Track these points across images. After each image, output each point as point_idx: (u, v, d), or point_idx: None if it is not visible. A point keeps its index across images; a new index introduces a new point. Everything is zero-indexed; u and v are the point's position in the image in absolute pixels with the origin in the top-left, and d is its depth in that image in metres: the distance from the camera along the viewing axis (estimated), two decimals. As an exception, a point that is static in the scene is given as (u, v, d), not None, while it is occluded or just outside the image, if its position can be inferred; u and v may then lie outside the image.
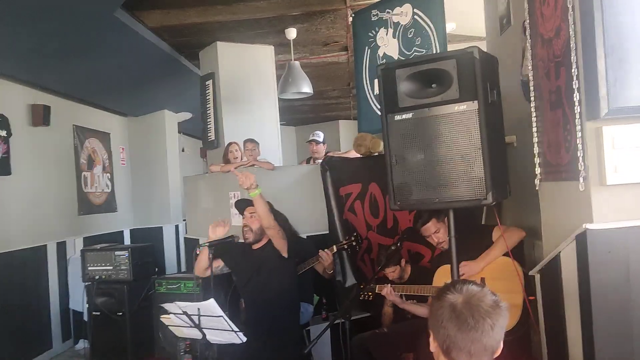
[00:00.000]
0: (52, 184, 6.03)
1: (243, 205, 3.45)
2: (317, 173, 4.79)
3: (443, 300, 1.38)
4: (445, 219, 3.28)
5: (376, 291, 3.52)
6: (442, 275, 3.27)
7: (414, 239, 3.77)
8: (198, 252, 4.05)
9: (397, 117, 2.50)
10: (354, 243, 3.91)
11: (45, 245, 5.76)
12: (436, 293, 1.46)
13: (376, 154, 4.47)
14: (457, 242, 2.59)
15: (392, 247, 3.42)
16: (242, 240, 3.43)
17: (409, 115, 2.47)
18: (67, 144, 6.44)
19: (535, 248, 3.11)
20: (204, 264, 3.37)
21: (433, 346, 1.42)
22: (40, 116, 5.71)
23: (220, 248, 3.37)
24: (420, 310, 3.44)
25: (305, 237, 4.41)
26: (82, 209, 6.59)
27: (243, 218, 3.40)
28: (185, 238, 6.09)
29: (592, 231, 2.01)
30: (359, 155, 4.69)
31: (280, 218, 4.09)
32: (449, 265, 3.05)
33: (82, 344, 5.56)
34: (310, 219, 4.68)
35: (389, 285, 3.48)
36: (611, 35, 1.93)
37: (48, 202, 5.92)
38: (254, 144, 5.23)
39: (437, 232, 3.32)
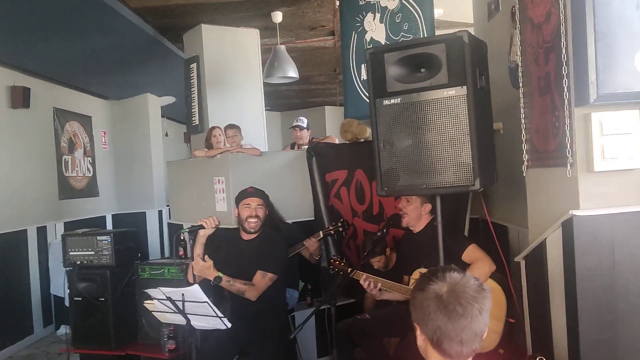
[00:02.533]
0: (32, 167, 5.93)
1: (243, 196, 3.43)
2: (303, 159, 4.76)
3: (427, 292, 1.35)
4: (425, 204, 3.25)
5: (352, 275, 3.40)
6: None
7: (399, 225, 3.76)
8: (182, 238, 4.02)
9: (386, 102, 2.48)
10: (340, 229, 3.90)
11: (26, 230, 5.68)
12: (416, 284, 1.42)
13: (362, 140, 4.45)
14: (427, 241, 2.56)
15: (378, 234, 3.41)
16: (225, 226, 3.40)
17: (397, 100, 2.45)
18: (48, 127, 6.32)
19: (521, 235, 3.12)
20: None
21: (420, 339, 1.39)
22: (20, 98, 5.61)
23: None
24: (398, 296, 3.38)
25: (291, 223, 4.39)
26: (63, 194, 6.50)
27: (247, 208, 3.36)
28: (168, 223, 6.04)
29: (579, 217, 2.01)
30: (337, 141, 4.67)
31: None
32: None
33: (64, 330, 5.52)
34: (296, 205, 4.66)
35: (366, 278, 3.37)
36: (601, 21, 1.92)
37: (28, 185, 5.82)
38: (234, 130, 5.16)
39: (407, 201, 3.23)
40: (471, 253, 2.97)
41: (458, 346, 1.31)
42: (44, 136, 6.25)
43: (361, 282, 3.37)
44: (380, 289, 3.34)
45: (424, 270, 2.97)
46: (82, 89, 7.16)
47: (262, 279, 3.20)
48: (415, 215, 3.26)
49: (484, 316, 1.34)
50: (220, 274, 3.12)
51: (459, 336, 1.31)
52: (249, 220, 3.33)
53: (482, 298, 1.34)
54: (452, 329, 1.30)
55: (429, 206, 3.20)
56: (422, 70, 2.40)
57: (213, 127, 5.27)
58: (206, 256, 3.17)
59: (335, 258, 3.57)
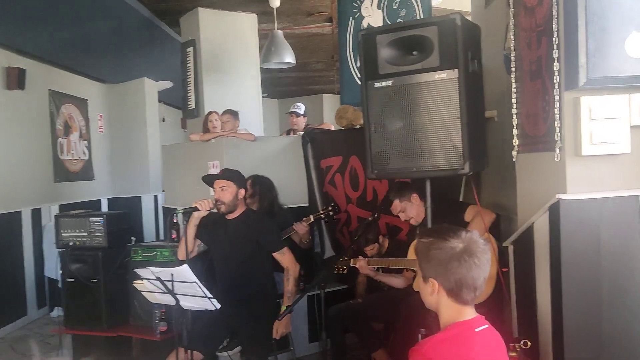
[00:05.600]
0: (27, 149, 5.92)
1: (211, 179, 3.41)
2: (298, 145, 4.75)
3: (445, 249, 1.54)
4: (411, 196, 3.30)
5: (351, 264, 3.51)
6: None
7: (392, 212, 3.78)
8: (175, 220, 4.02)
9: (377, 84, 2.47)
10: (331, 212, 3.91)
11: (20, 212, 5.68)
12: (430, 243, 1.58)
13: (358, 126, 4.44)
14: (431, 215, 2.59)
15: (369, 218, 3.43)
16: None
17: (389, 83, 2.44)
18: (43, 109, 6.30)
19: (511, 222, 3.13)
20: (190, 245, 3.34)
21: (434, 292, 1.58)
22: (15, 79, 5.58)
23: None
24: (395, 281, 3.48)
25: (285, 207, 4.40)
26: (58, 176, 6.49)
27: (215, 192, 3.36)
28: (163, 207, 6.04)
29: (565, 201, 2.02)
30: (333, 127, 4.66)
31: (264, 182, 4.10)
32: None
33: (57, 312, 5.54)
34: (291, 190, 4.65)
35: (365, 258, 3.49)
36: (593, 4, 1.91)
37: (23, 167, 5.82)
38: (228, 115, 5.14)
39: (403, 212, 3.33)
40: (472, 210, 3.12)
41: (473, 292, 1.55)
42: (40, 118, 6.23)
43: (359, 265, 3.43)
44: (377, 269, 3.43)
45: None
46: (79, 72, 7.13)
47: (284, 256, 3.31)
48: (416, 211, 3.30)
49: (490, 264, 1.60)
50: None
51: (475, 284, 1.54)
52: (217, 202, 3.31)
53: (488, 249, 1.59)
54: (471, 278, 1.53)
55: (415, 195, 3.26)
56: (414, 52, 2.39)
57: (210, 112, 5.27)
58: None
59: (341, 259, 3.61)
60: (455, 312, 1.57)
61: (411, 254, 3.33)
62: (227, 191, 3.30)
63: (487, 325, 1.58)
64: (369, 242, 3.72)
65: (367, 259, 3.51)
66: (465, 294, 1.55)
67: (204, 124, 5.26)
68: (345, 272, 3.58)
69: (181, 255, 3.31)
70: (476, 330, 1.55)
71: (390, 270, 3.53)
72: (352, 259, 3.52)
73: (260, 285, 3.34)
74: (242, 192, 3.37)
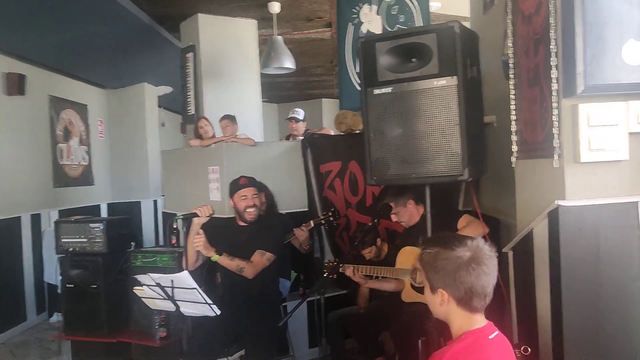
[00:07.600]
0: (26, 155, 5.93)
1: (237, 188, 3.41)
2: (297, 150, 4.76)
3: (452, 259, 1.52)
4: (407, 202, 3.31)
5: (340, 271, 3.48)
6: (404, 256, 3.31)
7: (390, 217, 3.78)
8: (174, 226, 4.02)
9: (377, 91, 2.49)
10: (331, 218, 3.91)
11: (19, 217, 5.68)
12: (435, 254, 1.56)
13: (357, 131, 4.45)
14: (423, 230, 2.60)
15: (369, 224, 3.43)
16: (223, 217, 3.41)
17: (388, 90, 2.46)
18: (43, 115, 6.32)
19: (511, 228, 3.13)
20: (193, 254, 3.33)
21: (444, 302, 1.56)
22: (15, 85, 5.60)
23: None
24: (387, 285, 3.46)
25: (284, 213, 4.40)
26: (58, 182, 6.50)
27: (243, 199, 3.36)
28: (163, 212, 6.04)
29: (564, 208, 2.02)
30: (332, 132, 4.67)
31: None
32: (410, 248, 3.19)
33: (57, 317, 5.54)
34: (290, 195, 4.67)
35: (352, 267, 3.46)
36: (590, 12, 1.91)
37: (22, 173, 5.83)
38: (227, 120, 5.16)
39: (396, 214, 3.37)
40: (464, 220, 3.14)
41: (483, 300, 1.54)
42: (39, 124, 6.24)
43: (347, 273, 3.42)
44: (365, 276, 3.42)
45: (409, 248, 3.05)
46: (78, 77, 7.15)
47: (261, 258, 3.25)
48: (407, 215, 3.34)
49: (496, 268, 1.58)
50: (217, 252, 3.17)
51: (485, 291, 1.54)
52: (248, 210, 3.36)
53: (494, 255, 1.57)
54: (480, 287, 1.52)
55: (411, 201, 3.28)
56: (413, 60, 2.40)
57: (199, 118, 5.30)
58: (199, 230, 3.19)
59: (329, 261, 3.61)
60: (467, 321, 1.56)
61: (400, 262, 3.34)
62: (257, 198, 3.41)
63: (497, 332, 1.58)
64: (366, 245, 3.72)
65: (354, 267, 3.46)
66: (475, 302, 1.53)
67: (194, 130, 5.28)
68: (334, 277, 3.56)
69: (190, 265, 3.30)
70: (490, 337, 1.55)
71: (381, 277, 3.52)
72: (341, 266, 3.50)
73: (265, 289, 3.34)
74: (262, 196, 3.44)
